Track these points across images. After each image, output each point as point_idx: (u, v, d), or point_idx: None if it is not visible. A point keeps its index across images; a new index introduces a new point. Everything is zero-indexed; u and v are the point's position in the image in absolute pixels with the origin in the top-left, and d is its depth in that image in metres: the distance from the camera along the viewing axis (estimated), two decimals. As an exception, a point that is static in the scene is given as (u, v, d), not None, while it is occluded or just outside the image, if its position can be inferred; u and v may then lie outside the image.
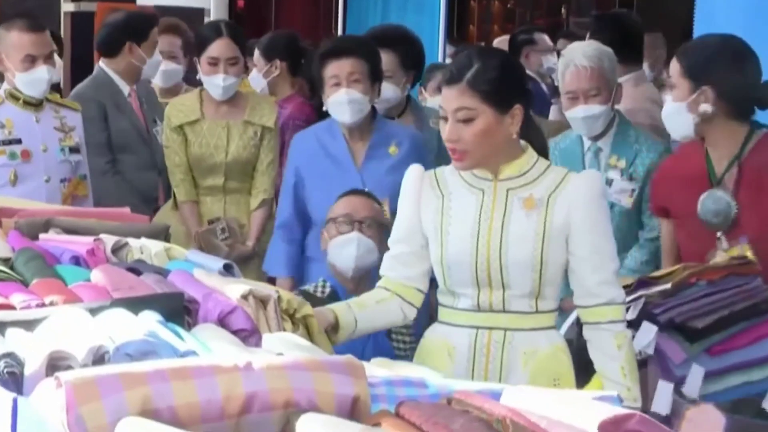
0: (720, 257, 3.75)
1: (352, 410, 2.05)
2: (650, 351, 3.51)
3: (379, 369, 2.37)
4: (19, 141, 4.93)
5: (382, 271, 3.64)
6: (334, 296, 4.13)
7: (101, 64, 5.84)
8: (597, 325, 3.44)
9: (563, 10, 12.95)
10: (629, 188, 4.66)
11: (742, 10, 4.42)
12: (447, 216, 3.50)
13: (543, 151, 3.60)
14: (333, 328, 3.43)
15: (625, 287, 3.60)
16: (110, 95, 5.74)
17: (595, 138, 4.71)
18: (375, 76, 4.79)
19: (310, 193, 4.85)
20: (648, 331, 3.51)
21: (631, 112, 5.15)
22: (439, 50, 7.85)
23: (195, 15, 9.28)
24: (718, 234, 3.86)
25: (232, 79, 5.31)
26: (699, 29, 4.74)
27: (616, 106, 4.79)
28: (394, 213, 4.19)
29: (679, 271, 3.63)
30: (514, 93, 3.43)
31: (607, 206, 3.55)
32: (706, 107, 3.78)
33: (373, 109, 4.87)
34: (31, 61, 4.90)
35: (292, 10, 13.87)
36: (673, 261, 4.08)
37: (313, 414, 1.99)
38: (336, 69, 4.73)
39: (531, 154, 3.51)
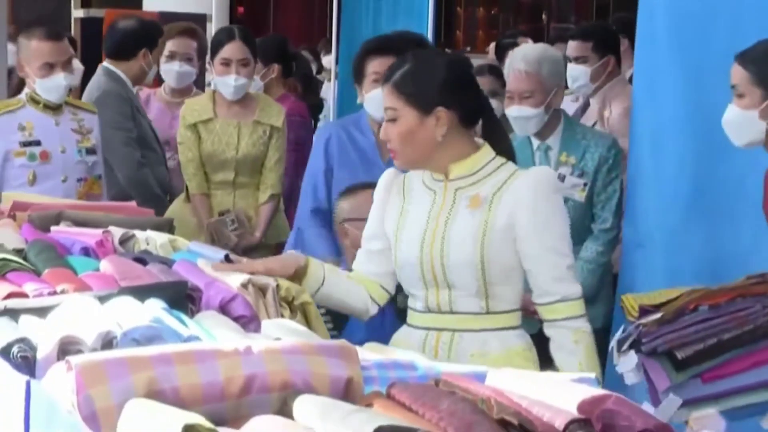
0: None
1: (346, 391, 2.05)
2: (635, 379, 3.37)
3: (371, 353, 2.36)
4: (38, 143, 4.93)
5: (353, 266, 3.54)
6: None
7: (109, 66, 5.83)
8: (554, 322, 3.33)
9: (544, 16, 12.96)
10: (581, 183, 4.66)
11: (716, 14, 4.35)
12: (403, 218, 3.41)
13: (506, 152, 3.45)
14: (299, 274, 3.29)
15: (631, 317, 3.50)
16: (131, 95, 5.79)
17: (543, 137, 4.70)
18: None
19: (337, 186, 4.64)
20: (630, 359, 3.37)
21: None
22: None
23: (198, 21, 9.24)
24: None
25: (243, 80, 5.34)
26: None
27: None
28: None
29: (682, 297, 3.44)
30: (438, 96, 3.29)
31: (558, 202, 3.38)
32: None
33: None
34: (49, 68, 4.89)
35: (289, 15, 13.87)
36: None
37: (308, 395, 1.98)
38: (378, 66, 4.49)
39: (485, 153, 3.37)
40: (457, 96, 3.32)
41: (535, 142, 4.72)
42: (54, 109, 4.97)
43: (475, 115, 3.40)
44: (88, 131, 5.08)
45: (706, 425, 1.48)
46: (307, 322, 2.85)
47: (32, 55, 4.91)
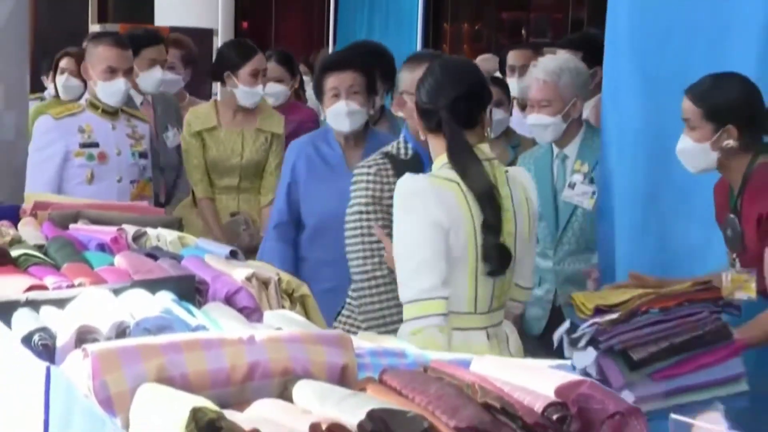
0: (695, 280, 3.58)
1: (342, 377, 2.05)
2: (592, 372, 3.37)
3: (365, 341, 2.37)
4: (96, 144, 4.92)
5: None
6: (416, 158, 3.87)
7: None
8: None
9: (523, 31, 12.97)
10: (590, 191, 4.55)
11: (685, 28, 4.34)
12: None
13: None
14: None
15: (582, 315, 3.50)
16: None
17: (561, 146, 4.60)
18: (371, 89, 4.55)
19: (305, 196, 4.57)
20: (589, 355, 3.37)
21: None
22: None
23: (205, 34, 9.26)
24: (734, 255, 3.67)
25: (262, 90, 5.37)
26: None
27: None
28: None
29: (633, 300, 3.45)
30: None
31: (404, 213, 3.25)
32: (730, 143, 3.58)
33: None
34: (111, 72, 4.89)
35: (289, 29, 13.87)
36: None
37: (307, 380, 1.98)
38: (336, 81, 4.46)
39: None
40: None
41: (555, 151, 4.63)
42: (111, 114, 4.97)
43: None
44: (140, 137, 5.09)
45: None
46: (306, 313, 2.84)
47: (98, 59, 4.91)
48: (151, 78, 5.63)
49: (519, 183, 3.39)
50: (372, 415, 1.74)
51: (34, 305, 2.49)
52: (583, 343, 3.30)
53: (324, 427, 1.72)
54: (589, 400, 1.84)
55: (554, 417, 1.81)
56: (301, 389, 1.95)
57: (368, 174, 3.82)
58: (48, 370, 2.12)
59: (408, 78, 3.86)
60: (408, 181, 3.27)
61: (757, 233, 3.51)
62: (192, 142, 5.30)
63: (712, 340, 3.29)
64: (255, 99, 5.34)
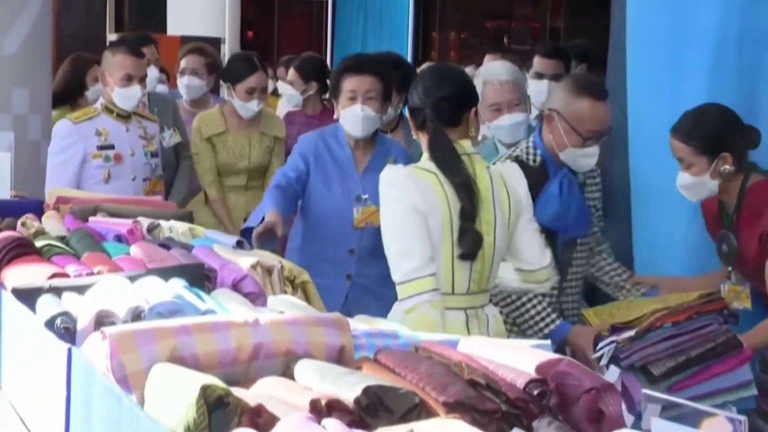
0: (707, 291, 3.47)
1: (339, 357, 2.04)
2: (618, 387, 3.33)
3: (360, 324, 2.36)
4: (112, 146, 4.90)
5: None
6: (543, 165, 3.72)
7: None
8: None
9: (505, 39, 12.96)
10: None
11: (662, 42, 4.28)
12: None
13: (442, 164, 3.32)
14: None
15: (601, 333, 3.48)
16: None
17: (510, 145, 4.31)
18: (387, 95, 4.31)
19: (310, 190, 4.29)
20: (612, 373, 3.27)
21: None
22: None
23: (213, 43, 9.23)
24: (729, 268, 3.64)
25: (261, 105, 5.28)
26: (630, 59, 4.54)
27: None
28: None
29: (647, 316, 3.41)
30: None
31: (387, 202, 3.25)
32: (727, 168, 3.51)
33: None
34: (128, 79, 4.87)
35: (291, 38, 13.84)
36: None
37: (308, 360, 1.98)
38: (354, 84, 4.20)
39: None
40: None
41: (501, 149, 4.40)
42: (125, 117, 4.95)
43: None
44: (151, 137, 5.07)
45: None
46: (307, 298, 2.83)
47: (115, 67, 4.89)
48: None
49: (499, 176, 3.36)
50: (367, 391, 1.74)
51: (57, 291, 2.49)
52: (604, 361, 3.29)
53: (323, 402, 1.71)
54: (567, 376, 1.83)
55: (535, 392, 1.80)
56: (302, 368, 1.94)
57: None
58: (69, 351, 2.11)
59: (561, 98, 3.71)
60: (389, 171, 3.29)
61: (759, 249, 3.46)
62: (203, 146, 5.27)
63: (724, 350, 3.30)
64: (249, 114, 5.25)
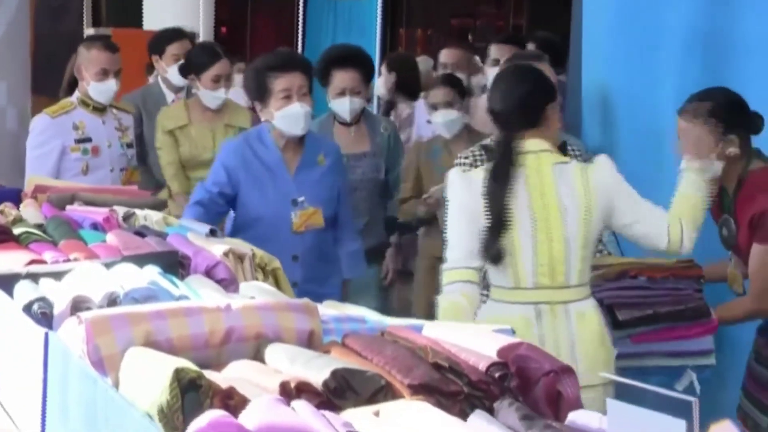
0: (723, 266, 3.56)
1: (309, 341, 2.04)
2: None
3: (329, 309, 2.35)
4: (90, 139, 4.85)
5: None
6: None
7: None
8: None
9: (470, 37, 12.97)
10: None
11: (623, 38, 4.28)
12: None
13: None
14: None
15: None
16: None
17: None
18: (310, 91, 4.05)
19: (245, 200, 3.95)
20: None
21: None
22: (375, 65, 7.80)
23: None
24: (730, 253, 3.60)
25: (226, 92, 5.10)
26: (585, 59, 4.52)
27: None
28: (327, 219, 3.96)
29: (624, 264, 3.36)
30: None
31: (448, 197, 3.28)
32: (733, 150, 3.45)
33: None
34: (104, 73, 4.83)
35: (262, 34, 13.79)
36: None
37: (278, 344, 1.97)
38: (287, 82, 3.90)
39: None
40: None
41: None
42: (101, 110, 4.91)
43: None
44: (126, 128, 5.03)
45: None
46: (278, 285, 2.83)
47: (91, 62, 4.84)
48: (176, 72, 5.43)
49: (577, 170, 3.27)
50: (335, 374, 1.73)
51: (34, 277, 2.47)
52: None
53: (293, 384, 1.71)
54: (527, 359, 1.84)
55: (496, 375, 1.80)
56: (273, 351, 1.94)
57: (464, 164, 3.78)
58: (46, 335, 2.10)
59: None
60: (455, 173, 3.34)
61: (749, 231, 3.45)
62: (165, 140, 5.07)
63: (692, 316, 3.31)
64: (217, 102, 5.07)
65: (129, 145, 5.02)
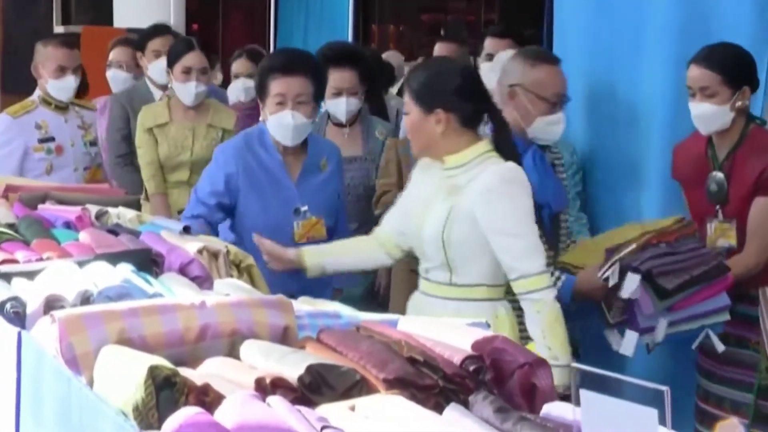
0: (712, 226, 3.62)
1: (283, 337, 2.04)
2: (637, 296, 3.28)
3: (304, 305, 2.36)
4: (53, 139, 4.80)
5: (379, 229, 3.37)
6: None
7: None
8: (520, 296, 3.07)
9: (442, 32, 12.99)
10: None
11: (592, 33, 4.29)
12: (410, 196, 3.29)
13: (505, 150, 3.16)
14: (299, 266, 3.23)
15: (575, 269, 3.46)
16: None
17: None
18: (319, 96, 3.75)
19: (244, 206, 3.69)
20: (632, 280, 3.28)
21: None
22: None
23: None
24: (717, 207, 3.65)
25: (202, 87, 4.86)
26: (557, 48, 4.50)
27: None
28: (327, 229, 3.73)
29: (639, 237, 3.36)
30: (440, 100, 3.11)
31: (513, 192, 3.05)
32: (744, 102, 3.54)
33: None
34: (61, 70, 4.78)
35: (233, 29, 13.75)
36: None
37: (253, 340, 1.97)
38: (283, 87, 3.60)
39: (478, 148, 3.13)
40: (457, 101, 3.11)
41: None
42: (63, 108, 4.87)
43: (474, 117, 3.16)
44: (89, 126, 4.97)
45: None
46: (252, 282, 2.83)
47: (48, 59, 4.79)
48: (159, 68, 5.28)
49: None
50: (310, 369, 1.74)
51: (6, 277, 2.46)
52: (613, 281, 3.30)
53: (268, 380, 1.71)
54: (502, 353, 1.85)
55: (471, 368, 1.82)
56: (248, 348, 1.94)
57: None
58: (19, 334, 2.09)
59: (520, 71, 3.58)
60: (505, 169, 3.12)
61: (755, 186, 3.53)
62: (144, 138, 4.87)
63: (716, 274, 3.39)
64: (189, 96, 4.82)
65: (92, 143, 4.97)
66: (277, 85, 3.60)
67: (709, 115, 3.58)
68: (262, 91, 3.68)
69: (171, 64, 4.88)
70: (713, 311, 3.42)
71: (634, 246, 3.37)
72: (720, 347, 3.42)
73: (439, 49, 6.08)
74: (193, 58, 4.83)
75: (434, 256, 3.15)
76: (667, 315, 3.35)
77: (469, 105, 3.14)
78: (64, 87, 4.79)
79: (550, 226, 3.59)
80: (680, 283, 3.31)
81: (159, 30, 5.62)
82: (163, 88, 5.40)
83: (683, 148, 3.78)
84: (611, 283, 3.34)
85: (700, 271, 3.35)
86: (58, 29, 10.77)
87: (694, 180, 3.73)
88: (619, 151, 4.19)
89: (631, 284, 3.28)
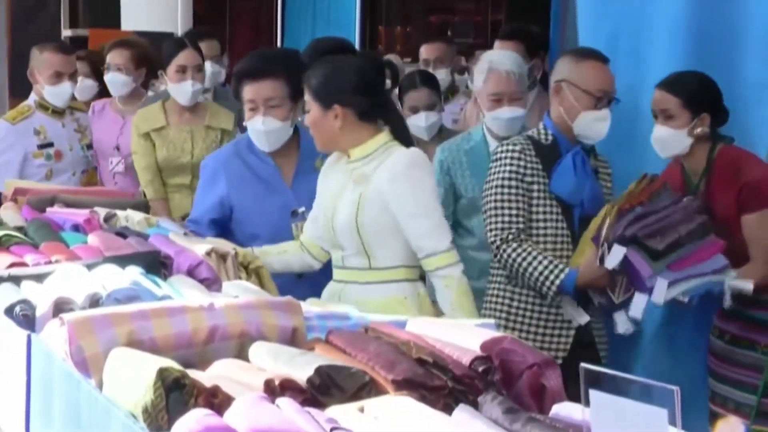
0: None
1: (292, 339, 2.05)
2: (617, 266, 3.35)
3: (312, 307, 2.36)
4: (51, 144, 4.79)
5: (305, 231, 3.42)
6: (555, 142, 3.60)
7: None
8: (429, 273, 3.18)
9: (449, 33, 12.99)
10: None
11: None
12: (320, 193, 3.33)
13: (403, 138, 3.25)
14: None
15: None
16: None
17: (502, 138, 3.91)
18: (297, 95, 3.51)
19: (239, 215, 3.62)
20: (618, 251, 3.34)
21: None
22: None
23: (165, 37, 9.13)
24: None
25: (198, 85, 4.77)
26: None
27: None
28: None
29: (609, 209, 3.43)
30: (336, 96, 3.15)
31: (420, 175, 3.14)
32: (703, 130, 3.56)
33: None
34: (57, 76, 4.76)
35: (241, 34, 13.76)
36: None
37: (261, 342, 1.98)
38: (252, 92, 3.51)
39: (379, 139, 3.20)
40: (353, 96, 3.17)
41: (492, 144, 4.03)
42: (59, 113, 4.86)
43: (372, 111, 3.22)
44: (84, 129, 4.96)
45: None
46: (261, 283, 2.83)
47: (44, 65, 4.77)
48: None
49: None
50: (319, 370, 1.74)
51: (16, 280, 2.47)
52: (611, 264, 3.35)
53: (277, 382, 1.71)
54: (510, 353, 1.85)
55: (480, 369, 1.81)
56: (256, 349, 1.94)
57: (513, 151, 3.60)
58: (29, 337, 2.10)
59: (567, 67, 3.59)
60: (417, 152, 3.22)
61: (736, 204, 3.54)
62: (141, 143, 4.76)
63: (702, 232, 3.42)
64: (186, 95, 4.71)
65: (89, 146, 4.95)
66: (247, 91, 3.53)
67: (666, 137, 3.62)
68: (237, 97, 3.63)
69: (165, 64, 4.78)
70: (713, 272, 3.44)
71: (609, 220, 3.40)
72: (728, 302, 3.46)
73: (426, 50, 6.01)
74: (186, 56, 4.73)
75: (350, 244, 3.21)
76: (666, 274, 3.38)
77: (365, 100, 3.20)
78: (60, 93, 4.77)
79: (578, 225, 3.62)
80: (670, 242, 3.37)
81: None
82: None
83: (664, 176, 3.79)
84: (609, 264, 3.37)
85: (686, 229, 3.39)
86: (66, 32, 10.79)
87: None
88: (624, 154, 4.16)
89: (617, 256, 3.34)
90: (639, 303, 3.40)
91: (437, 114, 4.73)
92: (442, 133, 4.73)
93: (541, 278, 3.51)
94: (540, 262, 3.51)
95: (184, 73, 4.71)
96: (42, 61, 4.78)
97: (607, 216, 3.45)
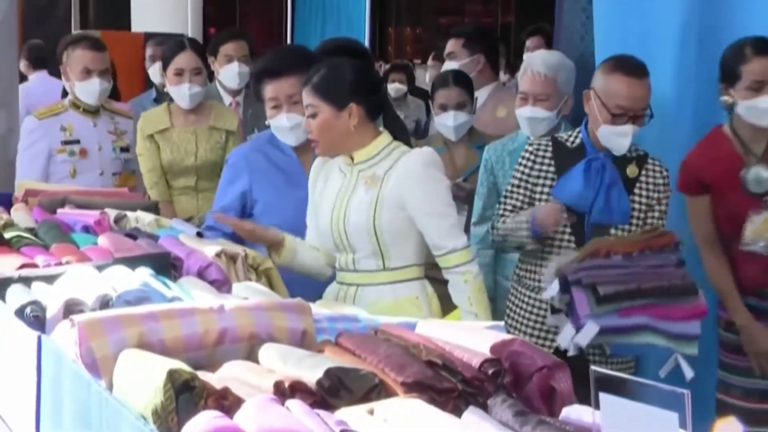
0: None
1: (302, 340, 2.04)
2: (558, 304, 3.26)
3: (322, 309, 2.36)
4: (77, 141, 4.79)
5: (307, 240, 3.38)
6: (581, 147, 3.61)
7: None
8: (447, 270, 3.19)
9: (459, 34, 13.01)
10: None
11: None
12: (321, 196, 3.32)
13: (402, 138, 3.31)
14: (276, 247, 3.24)
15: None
16: None
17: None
18: None
19: (260, 210, 3.67)
20: (555, 285, 3.24)
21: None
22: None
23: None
24: (766, 198, 3.59)
25: (196, 88, 4.77)
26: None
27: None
28: None
29: (593, 244, 3.29)
30: (350, 94, 3.17)
31: (435, 174, 3.17)
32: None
33: None
34: (87, 72, 4.77)
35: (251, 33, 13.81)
36: (710, 230, 3.74)
37: (271, 344, 1.97)
38: (274, 90, 3.59)
39: (383, 139, 3.24)
40: (366, 95, 3.21)
41: None
42: (92, 112, 4.86)
43: (377, 110, 3.27)
44: (122, 132, 4.93)
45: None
46: (270, 285, 2.83)
47: (75, 61, 4.79)
48: (230, 72, 5.33)
49: None
50: (329, 373, 1.74)
51: (26, 281, 2.47)
52: (548, 295, 3.27)
53: (287, 384, 1.71)
54: (520, 356, 1.84)
55: (489, 371, 1.81)
56: (266, 351, 1.94)
57: (527, 152, 3.66)
58: (39, 339, 2.10)
59: (598, 76, 3.57)
60: (429, 151, 3.24)
61: None
62: (145, 145, 4.78)
63: (678, 293, 3.19)
64: (184, 99, 4.73)
65: (124, 149, 4.96)
66: (269, 90, 3.60)
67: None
68: (258, 96, 3.69)
69: (165, 66, 4.82)
70: (679, 337, 3.22)
71: (577, 254, 3.29)
72: (689, 374, 3.24)
73: (453, 44, 5.91)
74: (184, 59, 4.76)
75: (364, 246, 3.22)
76: (601, 320, 3.18)
77: (373, 97, 3.25)
78: (89, 89, 4.77)
79: (590, 233, 3.57)
80: (623, 291, 3.15)
81: (233, 34, 5.60)
82: (233, 93, 5.44)
83: (702, 156, 3.72)
84: (546, 295, 3.30)
85: (655, 285, 3.20)
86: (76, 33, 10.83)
87: (726, 182, 3.67)
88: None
89: (553, 289, 3.26)
90: (566, 335, 3.26)
91: (467, 115, 4.65)
92: (472, 136, 4.68)
93: (518, 233, 3.58)
94: (513, 220, 3.60)
95: (182, 76, 4.74)
96: (73, 57, 4.80)
97: (584, 250, 3.33)
